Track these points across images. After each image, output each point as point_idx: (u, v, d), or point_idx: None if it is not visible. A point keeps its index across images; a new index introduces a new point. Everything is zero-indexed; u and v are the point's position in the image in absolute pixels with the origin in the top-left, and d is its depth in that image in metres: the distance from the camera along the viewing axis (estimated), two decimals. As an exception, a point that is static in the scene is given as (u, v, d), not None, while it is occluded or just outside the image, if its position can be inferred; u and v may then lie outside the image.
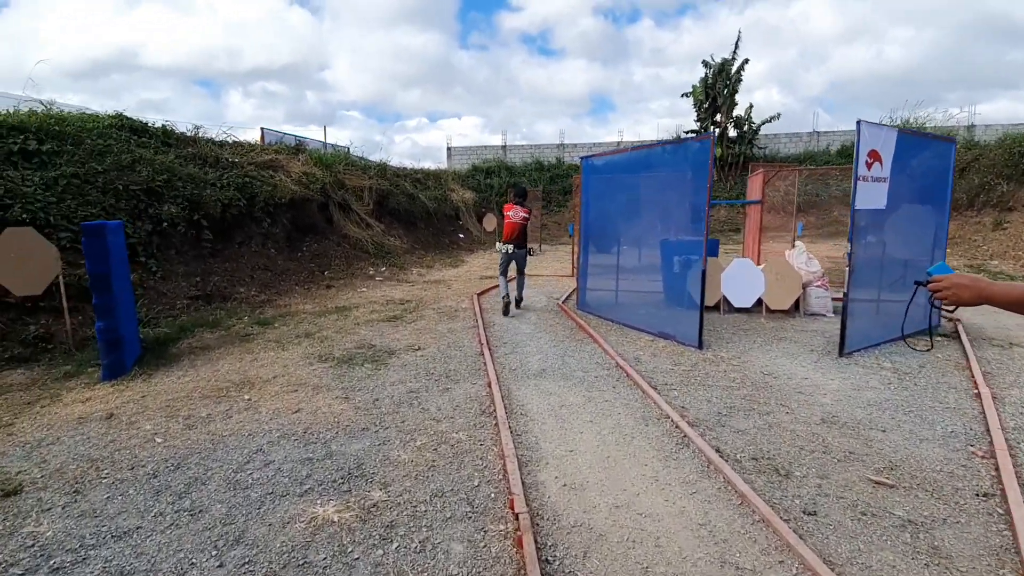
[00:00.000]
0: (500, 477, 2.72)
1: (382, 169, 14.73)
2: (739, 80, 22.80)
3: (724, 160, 22.56)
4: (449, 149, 29.33)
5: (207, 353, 4.97)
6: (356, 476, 2.74)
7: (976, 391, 3.86)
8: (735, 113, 23.14)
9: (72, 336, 4.96)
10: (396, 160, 16.56)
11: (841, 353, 4.79)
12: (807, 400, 3.77)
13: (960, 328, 5.55)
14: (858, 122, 4.56)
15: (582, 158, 6.78)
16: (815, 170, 15.28)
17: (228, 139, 10.60)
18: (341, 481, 2.70)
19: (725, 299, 6.67)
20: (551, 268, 11.78)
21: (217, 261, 7.73)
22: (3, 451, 3.05)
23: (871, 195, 4.74)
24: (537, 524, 2.32)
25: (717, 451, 2.96)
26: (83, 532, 2.30)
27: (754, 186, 10.32)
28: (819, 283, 6.58)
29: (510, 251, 6.64)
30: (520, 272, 7.04)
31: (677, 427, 3.27)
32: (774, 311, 6.51)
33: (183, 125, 9.92)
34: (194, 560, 2.12)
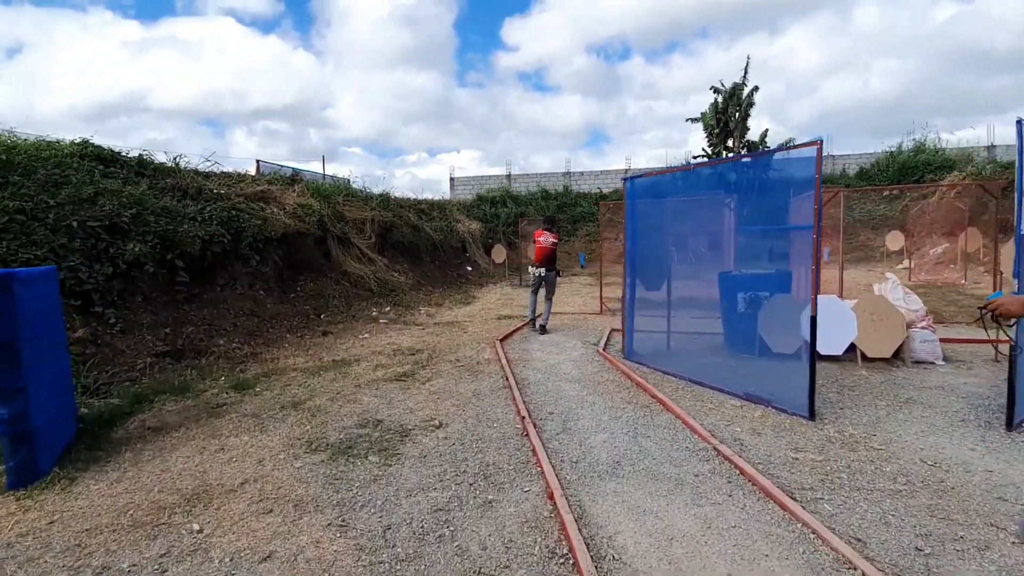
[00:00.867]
0: None
1: (384, 199, 13.74)
2: (751, 104, 22.18)
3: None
4: (452, 179, 28.62)
5: (161, 438, 3.74)
6: None
7: None
8: (747, 138, 22.46)
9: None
10: (397, 192, 15.56)
11: (1010, 426, 3.56)
12: (1014, 509, 2.54)
13: None
14: (1018, 121, 3.47)
15: (624, 179, 5.69)
16: (878, 188, 14.16)
17: (215, 169, 9.59)
18: None
19: (807, 345, 5.48)
20: (573, 303, 10.60)
21: (193, 307, 6.56)
22: None
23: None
24: None
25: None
26: None
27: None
28: (923, 324, 5.39)
29: (541, 273, 7.23)
30: (548, 298, 7.37)
31: (874, 585, 2.03)
32: (872, 359, 5.30)
33: (165, 156, 8.90)
34: None
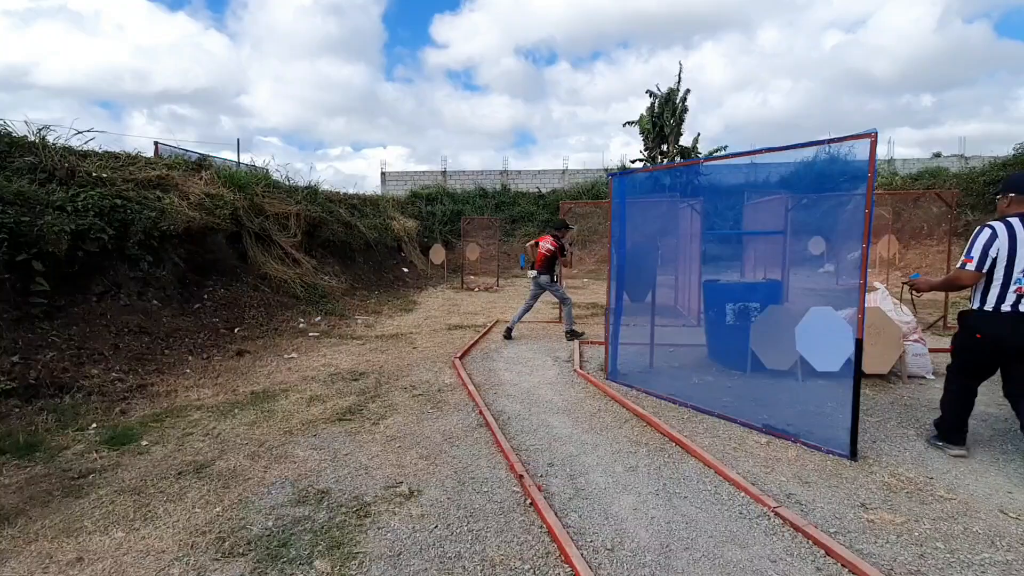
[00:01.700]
0: None
1: (312, 192, 12.17)
2: (685, 110, 22.66)
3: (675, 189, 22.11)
4: (384, 174, 26.92)
5: (-24, 540, 2.45)
6: None
7: None
8: (680, 143, 22.94)
9: None
10: (326, 186, 13.90)
11: (1063, 460, 3.20)
12: None
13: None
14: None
15: (612, 175, 4.94)
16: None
17: (96, 148, 7.74)
18: None
19: (803, 362, 5.05)
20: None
21: (56, 325, 5.00)
22: None
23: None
24: None
25: None
26: None
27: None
28: (915, 337, 5.14)
29: (533, 276, 7.30)
30: (562, 301, 7.39)
31: None
32: (869, 375, 4.95)
33: (26, 128, 6.97)
34: None
